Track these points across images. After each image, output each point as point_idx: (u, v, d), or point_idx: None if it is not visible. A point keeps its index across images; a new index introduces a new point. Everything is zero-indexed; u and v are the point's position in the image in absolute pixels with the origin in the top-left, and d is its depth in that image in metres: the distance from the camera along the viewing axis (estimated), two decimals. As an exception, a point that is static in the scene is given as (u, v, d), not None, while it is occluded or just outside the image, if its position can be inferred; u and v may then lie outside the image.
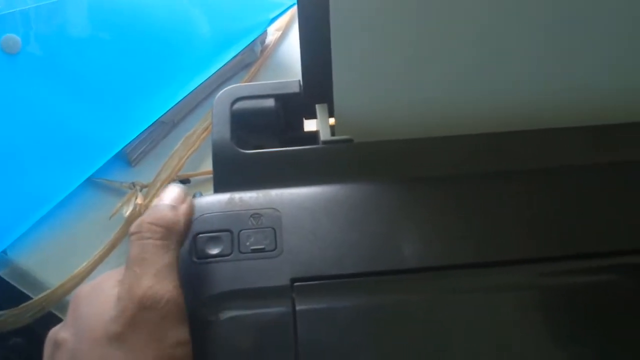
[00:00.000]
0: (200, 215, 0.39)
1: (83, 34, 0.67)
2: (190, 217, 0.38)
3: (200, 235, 0.38)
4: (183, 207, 0.38)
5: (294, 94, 0.46)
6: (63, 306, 0.60)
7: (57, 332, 0.35)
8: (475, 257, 0.37)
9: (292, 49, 0.79)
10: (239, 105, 0.45)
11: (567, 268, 0.37)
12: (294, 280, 0.36)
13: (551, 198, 0.40)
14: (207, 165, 0.67)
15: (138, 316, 0.31)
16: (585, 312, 0.36)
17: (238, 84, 0.48)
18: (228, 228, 0.38)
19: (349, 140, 0.43)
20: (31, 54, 0.63)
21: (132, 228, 0.35)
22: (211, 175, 0.64)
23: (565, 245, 0.38)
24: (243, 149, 0.43)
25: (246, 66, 0.76)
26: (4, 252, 0.61)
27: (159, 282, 0.33)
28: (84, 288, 0.36)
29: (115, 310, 0.32)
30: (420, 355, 0.35)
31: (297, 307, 0.35)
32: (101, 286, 0.35)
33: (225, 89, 0.46)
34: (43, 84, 0.64)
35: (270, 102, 0.46)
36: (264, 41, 0.77)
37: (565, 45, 0.43)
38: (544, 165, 0.41)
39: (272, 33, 0.79)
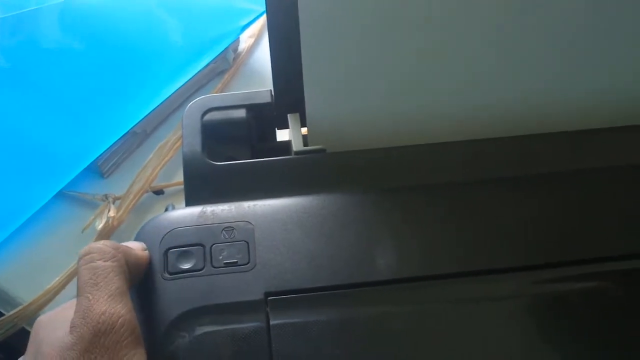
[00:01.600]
0: (172, 230, 0.38)
1: (52, 44, 0.66)
2: (146, 262, 0.38)
3: (172, 250, 0.38)
4: (138, 245, 0.38)
5: (266, 104, 0.46)
6: (36, 322, 0.59)
7: None
8: (451, 268, 0.37)
9: (265, 55, 0.77)
10: (210, 116, 0.45)
11: (546, 277, 0.37)
12: (268, 294, 0.36)
13: (525, 206, 0.39)
14: (181, 176, 0.66)
15: (94, 342, 0.31)
16: (568, 321, 0.36)
17: (208, 95, 0.47)
18: (200, 242, 0.38)
19: (322, 151, 0.43)
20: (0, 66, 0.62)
21: (81, 253, 0.35)
22: (185, 186, 0.64)
23: (544, 254, 0.38)
24: (215, 160, 0.43)
25: (219, 74, 0.75)
26: (-25, 268, 0.60)
27: (112, 306, 0.32)
28: (44, 317, 0.36)
29: (71, 338, 0.31)
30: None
31: (272, 322, 0.35)
32: (62, 314, 0.35)
33: (196, 100, 0.46)
34: (11, 95, 0.63)
35: (241, 113, 0.45)
36: (236, 48, 0.77)
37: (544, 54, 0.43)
38: (522, 173, 0.41)
39: (245, 40, 0.79)
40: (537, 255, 0.37)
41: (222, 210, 0.39)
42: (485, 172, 0.41)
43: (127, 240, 0.61)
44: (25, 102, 0.64)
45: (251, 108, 0.46)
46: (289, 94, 0.44)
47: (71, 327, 0.32)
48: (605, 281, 0.37)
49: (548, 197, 0.40)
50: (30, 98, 0.64)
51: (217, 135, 0.45)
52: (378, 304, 0.36)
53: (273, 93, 0.45)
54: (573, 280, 0.37)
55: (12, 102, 0.63)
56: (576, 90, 0.44)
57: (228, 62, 0.75)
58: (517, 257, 0.37)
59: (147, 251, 0.38)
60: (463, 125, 0.44)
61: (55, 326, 0.34)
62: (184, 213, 0.39)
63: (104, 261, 0.34)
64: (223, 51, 0.73)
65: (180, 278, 0.36)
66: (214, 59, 0.73)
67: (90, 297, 0.32)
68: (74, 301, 0.35)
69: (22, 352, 0.64)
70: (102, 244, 0.35)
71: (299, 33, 0.41)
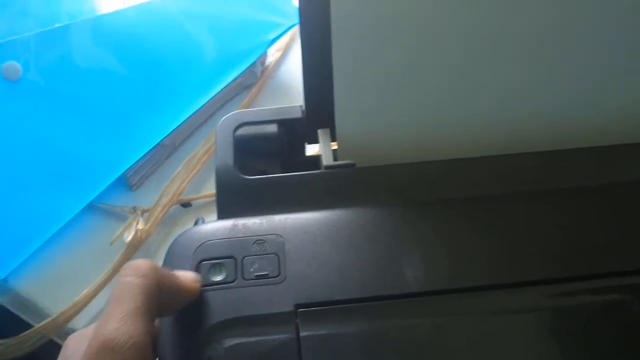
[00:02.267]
0: (204, 242, 0.39)
1: (84, 59, 0.67)
2: (191, 293, 0.36)
3: (204, 262, 0.38)
4: (190, 276, 0.37)
5: (296, 119, 0.46)
6: (65, 334, 0.59)
7: None
8: (480, 281, 0.37)
9: (292, 69, 0.79)
10: (242, 131, 0.45)
11: (571, 289, 0.37)
12: (298, 306, 0.36)
13: (556, 220, 0.39)
14: (209, 189, 0.67)
15: (100, 356, 0.30)
16: (592, 334, 0.36)
17: (241, 110, 0.48)
18: (232, 255, 0.38)
19: (351, 165, 0.43)
20: (32, 81, 0.63)
21: (121, 269, 0.35)
22: (213, 199, 0.65)
23: (570, 267, 0.37)
24: (246, 174, 0.43)
25: (247, 87, 0.76)
26: (5, 279, 0.61)
27: (124, 325, 0.31)
28: (75, 336, 0.37)
29: (85, 348, 0.31)
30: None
31: (302, 334, 0.35)
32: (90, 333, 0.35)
33: (228, 115, 0.46)
34: (43, 110, 0.64)
35: (272, 128, 0.46)
36: (264, 62, 0.77)
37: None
38: (550, 187, 0.41)
39: (272, 54, 0.79)
40: (568, 268, 0.37)
41: (254, 223, 0.39)
42: (514, 187, 0.41)
43: (156, 252, 0.62)
44: (56, 114, 0.65)
45: (282, 123, 0.46)
46: (319, 110, 0.45)
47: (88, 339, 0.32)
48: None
49: (578, 211, 0.40)
50: (60, 111, 0.65)
51: (248, 149, 0.45)
52: (407, 316, 0.36)
53: (304, 109, 0.46)
54: (606, 293, 0.37)
55: (45, 116, 0.64)
56: (607, 107, 0.44)
57: (256, 75, 0.76)
58: (547, 270, 0.37)
59: (198, 284, 0.37)
60: (493, 141, 0.44)
61: (80, 344, 0.34)
62: (216, 226, 0.40)
63: (135, 277, 0.33)
64: (251, 65, 0.74)
65: (212, 290, 0.37)
66: (241, 72, 0.73)
67: (110, 312, 0.32)
68: None
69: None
70: (140, 261, 0.34)
71: (331, 50, 0.41)
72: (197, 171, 0.67)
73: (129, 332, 0.31)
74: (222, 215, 0.42)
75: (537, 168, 0.43)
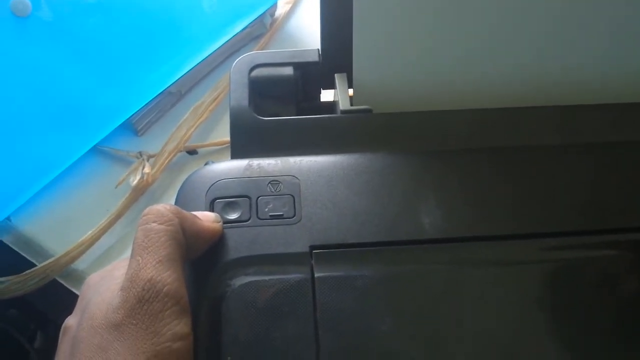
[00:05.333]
0: (218, 181, 0.39)
1: (93, 0, 0.66)
2: (213, 234, 0.36)
3: (218, 200, 0.38)
4: (210, 216, 0.37)
5: (313, 63, 0.46)
6: (67, 274, 0.59)
7: (68, 319, 0.35)
8: (494, 229, 0.37)
9: (301, 21, 0.78)
10: (257, 72, 0.45)
11: (585, 242, 0.37)
12: (313, 247, 0.36)
13: (572, 173, 0.39)
14: (215, 137, 0.67)
15: (137, 308, 0.31)
16: (599, 286, 0.36)
17: (256, 51, 0.47)
18: (246, 194, 0.38)
19: (369, 111, 0.43)
20: (40, 19, 0.62)
21: (142, 213, 0.34)
22: (220, 147, 0.65)
23: (584, 221, 0.38)
24: (260, 116, 0.43)
25: (255, 38, 0.75)
26: (8, 218, 0.61)
27: (158, 273, 0.31)
28: (95, 276, 0.36)
29: (117, 300, 0.31)
30: (437, 324, 0.35)
31: (316, 274, 0.35)
32: (111, 274, 0.35)
33: (243, 55, 0.45)
34: (51, 49, 0.63)
35: (288, 70, 0.45)
36: (273, 13, 0.77)
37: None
38: (563, 141, 0.41)
39: (282, 5, 0.78)
40: (584, 221, 0.37)
41: (269, 164, 0.39)
42: (530, 139, 0.41)
43: (160, 198, 0.62)
44: (64, 54, 0.64)
45: (298, 66, 0.45)
46: (337, 54, 0.44)
47: (120, 289, 0.32)
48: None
49: (595, 165, 0.40)
50: (69, 52, 0.64)
51: (263, 91, 0.45)
52: (422, 262, 0.36)
53: (321, 52, 0.45)
54: (625, 247, 0.37)
55: (52, 55, 0.63)
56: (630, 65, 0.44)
57: (265, 26, 0.75)
58: (563, 222, 0.37)
59: (219, 224, 0.37)
60: (510, 93, 0.44)
61: (103, 286, 0.34)
62: (229, 165, 0.40)
63: (159, 224, 0.33)
64: (260, 15, 0.73)
65: (226, 228, 0.37)
66: (250, 23, 0.73)
67: (140, 261, 0.32)
68: (125, 260, 0.34)
69: (37, 309, 0.66)
70: (161, 206, 0.34)
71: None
72: (204, 119, 0.66)
73: (163, 281, 0.31)
74: (235, 155, 0.41)
75: (554, 121, 0.42)
